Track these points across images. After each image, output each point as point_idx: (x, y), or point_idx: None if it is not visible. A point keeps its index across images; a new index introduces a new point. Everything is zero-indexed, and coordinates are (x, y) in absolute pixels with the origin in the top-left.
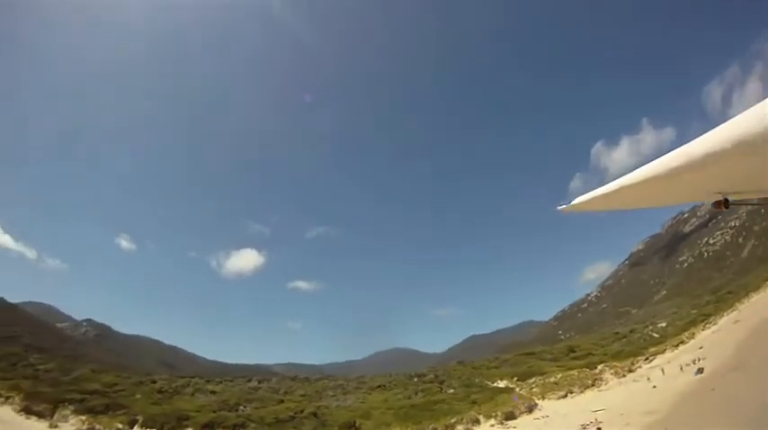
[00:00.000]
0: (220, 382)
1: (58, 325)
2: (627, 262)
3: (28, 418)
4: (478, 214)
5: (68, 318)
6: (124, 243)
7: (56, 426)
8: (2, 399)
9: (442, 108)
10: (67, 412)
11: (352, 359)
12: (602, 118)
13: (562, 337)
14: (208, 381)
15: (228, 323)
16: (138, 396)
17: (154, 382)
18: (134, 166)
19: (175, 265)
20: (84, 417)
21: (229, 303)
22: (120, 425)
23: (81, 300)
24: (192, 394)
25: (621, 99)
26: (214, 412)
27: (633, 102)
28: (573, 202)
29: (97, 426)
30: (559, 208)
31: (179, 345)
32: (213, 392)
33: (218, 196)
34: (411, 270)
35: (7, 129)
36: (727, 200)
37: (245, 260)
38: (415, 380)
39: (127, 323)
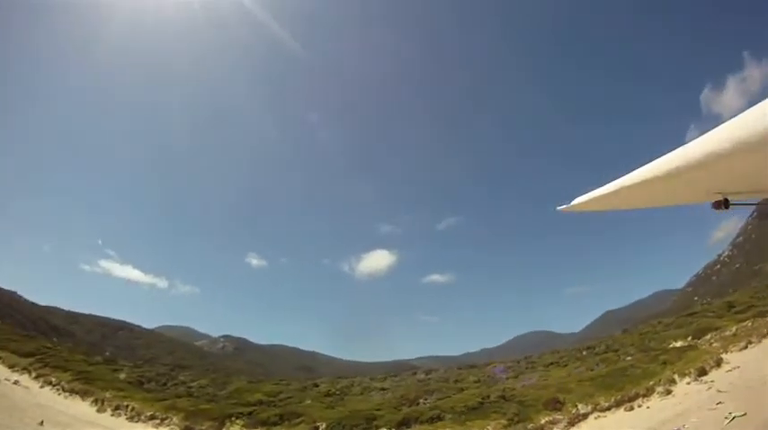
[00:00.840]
0: (385, 379)
1: (197, 343)
2: (754, 215)
3: None
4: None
5: (206, 336)
6: (254, 261)
7: None
8: (158, 421)
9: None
10: (236, 427)
11: (487, 346)
12: (703, 60)
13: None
14: (372, 379)
15: (364, 323)
16: (309, 401)
17: (317, 385)
18: (255, 185)
19: (308, 275)
20: None
21: (364, 304)
22: None
23: (217, 319)
24: (361, 393)
25: (718, 36)
26: (395, 408)
27: (730, 36)
28: (572, 203)
29: None
30: (559, 208)
31: (317, 350)
32: (383, 389)
33: (345, 204)
34: (538, 252)
35: (122, 170)
36: (727, 200)
37: (377, 260)
38: (584, 353)
39: (264, 334)
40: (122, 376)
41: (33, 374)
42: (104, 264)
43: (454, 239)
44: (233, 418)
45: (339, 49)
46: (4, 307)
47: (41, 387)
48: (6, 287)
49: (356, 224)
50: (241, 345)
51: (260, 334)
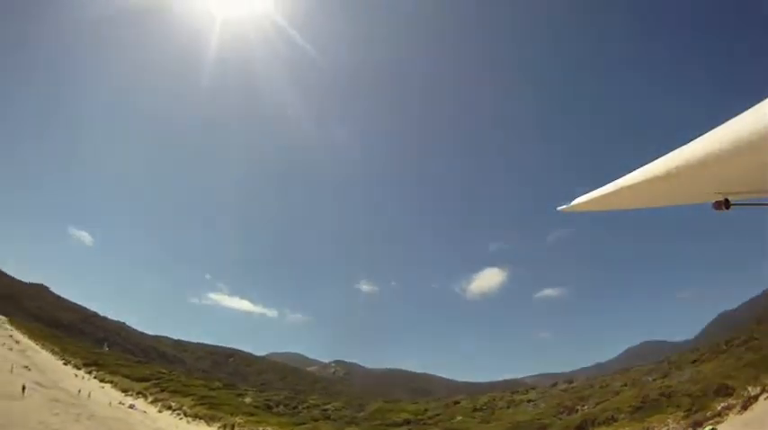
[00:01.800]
0: (527, 391)
1: (308, 369)
2: None
3: None
4: None
5: (316, 362)
6: (365, 287)
7: None
8: None
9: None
10: None
11: (600, 361)
12: None
13: None
14: (513, 393)
15: (475, 343)
16: (460, 417)
17: (457, 403)
18: (363, 211)
19: (419, 298)
20: None
21: (475, 324)
22: None
23: (327, 345)
24: (508, 407)
25: None
26: (555, 416)
27: None
28: (572, 203)
29: None
30: (559, 208)
31: (429, 372)
32: (530, 401)
33: (453, 225)
34: (646, 257)
35: (226, 206)
36: (727, 200)
37: (488, 279)
38: (724, 346)
39: (375, 359)
40: (248, 400)
41: (150, 399)
42: (213, 296)
43: (564, 252)
44: None
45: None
46: (113, 336)
47: (159, 411)
48: (115, 318)
49: (465, 244)
50: (351, 370)
51: (371, 358)
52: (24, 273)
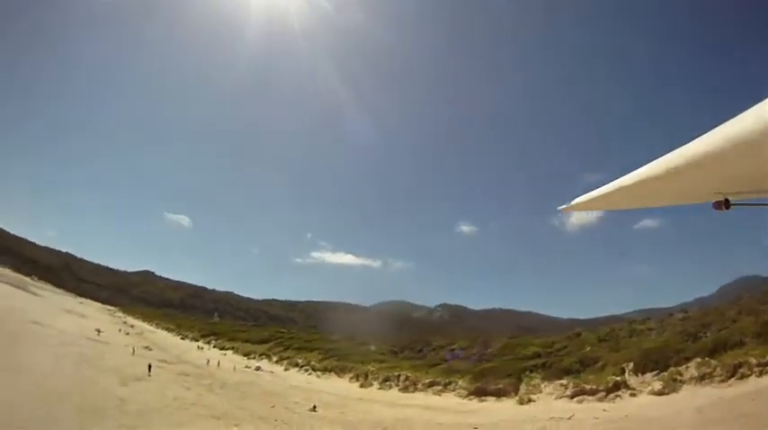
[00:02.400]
0: (643, 322)
1: (414, 315)
2: None
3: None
4: None
5: (422, 308)
6: (465, 228)
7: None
8: (440, 387)
9: None
10: (536, 379)
11: (701, 296)
12: None
13: None
14: (630, 322)
15: (575, 279)
16: (588, 348)
17: (579, 335)
18: (456, 151)
19: (519, 235)
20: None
21: (575, 258)
22: None
23: (432, 290)
24: (630, 336)
25: None
26: (682, 343)
27: None
28: (572, 203)
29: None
30: (560, 208)
31: (533, 310)
32: (650, 329)
33: (548, 157)
34: None
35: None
36: (727, 200)
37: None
38: None
39: (480, 300)
40: (372, 349)
41: (274, 358)
42: (316, 254)
43: None
44: (526, 372)
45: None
46: (222, 305)
47: (286, 369)
48: (222, 289)
49: (561, 176)
50: (458, 312)
51: (475, 299)
52: (129, 264)
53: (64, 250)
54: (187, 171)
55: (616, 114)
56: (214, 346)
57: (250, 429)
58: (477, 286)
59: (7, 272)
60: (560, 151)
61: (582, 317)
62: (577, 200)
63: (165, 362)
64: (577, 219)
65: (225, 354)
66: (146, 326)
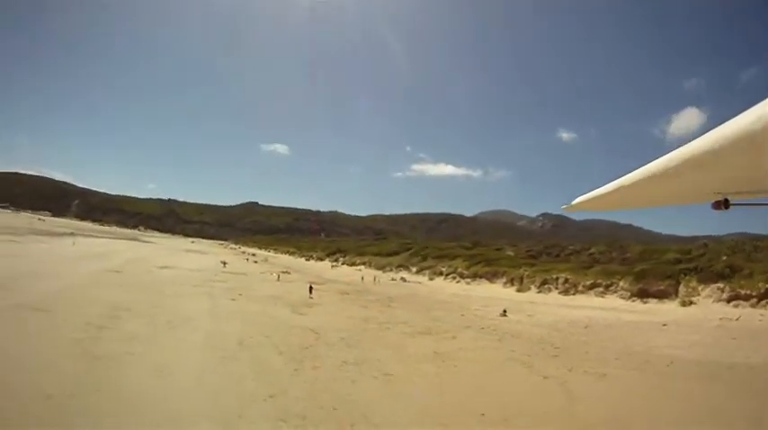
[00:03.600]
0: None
1: (518, 224)
2: None
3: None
4: None
5: (524, 217)
6: (564, 135)
7: None
8: (601, 289)
9: None
10: (693, 281)
11: None
12: None
13: None
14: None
15: None
16: (724, 257)
17: (706, 245)
18: (554, 60)
19: (619, 143)
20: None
21: None
22: None
23: (533, 199)
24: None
25: None
26: None
27: None
28: (573, 202)
29: None
30: (563, 207)
31: (632, 223)
32: None
33: (644, 66)
34: None
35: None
36: (727, 200)
37: (688, 120)
38: None
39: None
40: (510, 253)
41: (413, 269)
42: (417, 167)
43: (758, 92)
44: (681, 275)
45: None
46: (329, 226)
47: (431, 279)
48: (327, 209)
49: (659, 83)
50: (559, 222)
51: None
52: (233, 199)
53: (165, 197)
54: (278, 99)
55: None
56: (343, 263)
57: (492, 343)
58: (577, 195)
59: (114, 228)
60: (661, 58)
61: (682, 234)
62: (578, 200)
63: (315, 283)
64: (677, 128)
65: (360, 270)
66: (265, 253)
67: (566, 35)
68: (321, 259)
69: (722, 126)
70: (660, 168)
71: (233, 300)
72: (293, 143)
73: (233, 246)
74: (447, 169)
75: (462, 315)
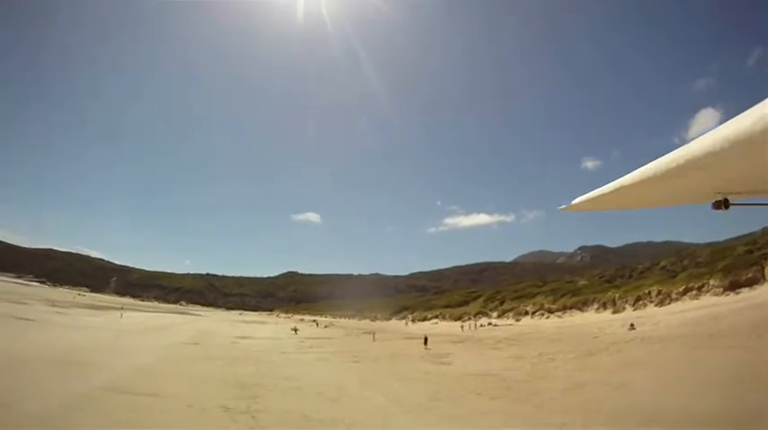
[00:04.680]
0: None
1: (557, 261)
2: None
3: None
4: None
5: (562, 254)
6: (589, 164)
7: None
8: (695, 292)
9: None
10: None
11: None
12: None
13: None
14: None
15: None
16: None
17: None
18: (573, 89)
19: (642, 160)
20: None
21: None
22: None
23: (569, 234)
24: None
25: None
26: None
27: None
28: (573, 202)
29: None
30: (560, 208)
31: (670, 239)
32: None
33: (651, 72)
34: None
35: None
36: (727, 200)
37: (705, 121)
38: None
39: (616, 236)
40: (582, 283)
41: (494, 314)
42: (449, 221)
43: None
44: (763, 260)
45: None
46: (369, 287)
47: (517, 319)
48: (368, 272)
49: (671, 90)
50: (598, 252)
51: (611, 236)
52: (271, 269)
53: (203, 272)
54: (306, 171)
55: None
56: (413, 320)
57: (657, 346)
58: (612, 222)
59: (155, 303)
60: (666, 63)
61: (720, 238)
62: (578, 200)
63: (410, 338)
64: (696, 132)
65: (437, 323)
66: (323, 318)
67: (576, 61)
68: (387, 319)
69: (722, 126)
70: (660, 168)
71: (356, 362)
72: (324, 211)
73: (283, 315)
74: (480, 218)
75: (595, 337)
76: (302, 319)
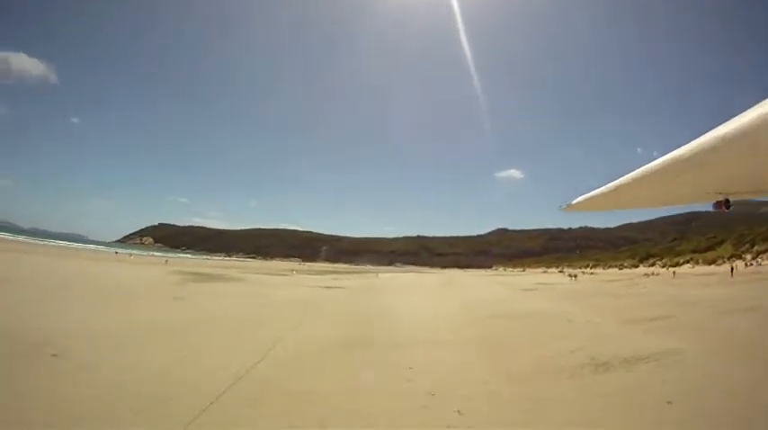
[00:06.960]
0: None
1: None
2: None
3: None
4: None
5: None
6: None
7: None
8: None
9: None
10: None
11: None
12: None
13: None
14: None
15: None
16: None
17: None
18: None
19: None
20: None
21: None
22: None
23: None
24: None
25: None
26: None
27: None
28: (573, 202)
29: None
30: (562, 207)
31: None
32: None
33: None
34: None
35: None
36: (727, 200)
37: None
38: None
39: None
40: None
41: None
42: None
43: None
44: None
45: None
46: (581, 240)
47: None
48: (577, 225)
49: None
50: None
51: None
52: (479, 227)
53: (414, 234)
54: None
55: None
56: (663, 266)
57: None
58: None
59: (368, 266)
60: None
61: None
62: (578, 199)
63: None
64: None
65: (693, 268)
66: (556, 270)
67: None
68: (635, 266)
69: (722, 126)
70: (660, 168)
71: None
72: (526, 167)
73: (510, 269)
74: None
75: None
76: (545, 271)
